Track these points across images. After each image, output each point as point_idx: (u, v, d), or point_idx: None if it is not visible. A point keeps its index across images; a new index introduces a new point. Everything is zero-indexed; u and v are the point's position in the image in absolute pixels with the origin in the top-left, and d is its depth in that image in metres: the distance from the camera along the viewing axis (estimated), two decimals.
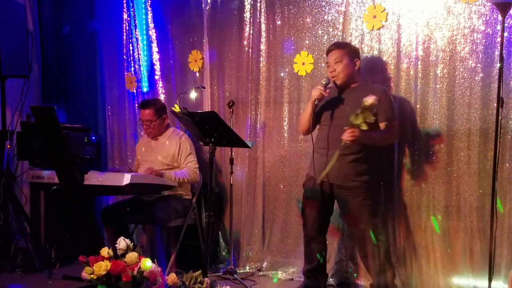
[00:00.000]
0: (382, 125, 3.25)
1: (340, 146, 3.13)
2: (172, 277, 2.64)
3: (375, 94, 3.21)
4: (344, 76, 3.31)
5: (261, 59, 4.10)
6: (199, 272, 2.70)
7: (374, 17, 3.59)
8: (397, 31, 3.54)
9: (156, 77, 4.63)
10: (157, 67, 4.62)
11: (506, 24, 3.09)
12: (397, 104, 3.51)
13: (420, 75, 3.48)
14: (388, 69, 3.59)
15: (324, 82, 3.30)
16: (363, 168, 3.28)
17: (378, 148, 3.34)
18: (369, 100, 3.02)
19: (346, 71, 3.31)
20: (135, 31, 4.68)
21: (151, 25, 4.63)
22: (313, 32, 3.87)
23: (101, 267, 2.48)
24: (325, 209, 3.43)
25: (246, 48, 4.16)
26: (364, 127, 3.05)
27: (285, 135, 4.01)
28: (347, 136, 3.08)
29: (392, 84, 3.57)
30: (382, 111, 3.23)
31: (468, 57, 3.32)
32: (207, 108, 4.33)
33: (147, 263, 2.52)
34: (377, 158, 3.40)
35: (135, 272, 2.50)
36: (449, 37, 3.38)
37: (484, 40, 3.27)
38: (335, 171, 3.27)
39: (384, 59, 3.60)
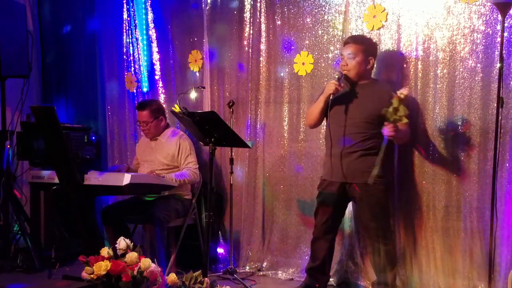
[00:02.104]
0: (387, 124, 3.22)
1: (383, 148, 3.07)
2: (172, 277, 2.64)
3: (384, 96, 3.19)
4: (354, 73, 3.27)
5: (261, 59, 4.10)
6: (199, 272, 2.70)
7: (374, 17, 3.59)
8: (397, 31, 3.54)
9: (156, 77, 4.63)
10: (157, 67, 4.62)
11: (506, 24, 3.09)
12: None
13: (420, 75, 3.48)
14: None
15: (337, 76, 3.25)
16: (373, 162, 3.18)
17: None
18: (404, 91, 2.97)
19: (358, 69, 3.25)
20: (135, 31, 4.68)
21: (151, 25, 4.62)
22: (313, 32, 3.87)
23: (101, 267, 2.47)
24: (338, 212, 3.41)
25: (246, 48, 4.16)
26: (405, 120, 3.00)
27: (285, 135, 4.01)
28: (388, 132, 3.03)
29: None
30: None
31: (468, 57, 3.32)
32: (207, 108, 4.32)
33: (147, 263, 2.52)
34: (386, 152, 3.28)
35: (135, 272, 2.50)
36: (449, 37, 3.38)
37: (484, 40, 3.27)
38: (345, 169, 3.24)
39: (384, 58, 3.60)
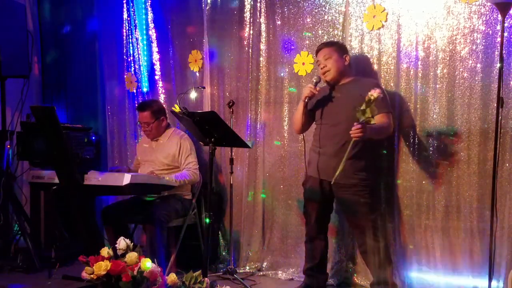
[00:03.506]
0: (377, 118, 3.25)
1: (350, 145, 3.10)
2: (172, 277, 2.64)
3: (367, 88, 3.23)
4: (334, 71, 3.35)
5: (261, 59, 4.10)
6: (199, 272, 2.70)
7: (374, 17, 3.59)
8: (397, 31, 3.54)
9: (156, 77, 4.63)
10: (157, 67, 4.62)
11: (506, 24, 3.09)
12: (397, 103, 3.52)
13: (420, 75, 3.48)
14: (388, 69, 3.59)
15: (314, 81, 3.36)
16: (361, 165, 3.29)
17: (376, 144, 3.35)
18: (375, 93, 2.99)
19: (336, 66, 3.35)
20: (135, 31, 4.68)
21: (151, 25, 4.63)
22: (313, 32, 3.87)
23: (101, 267, 2.48)
24: (325, 208, 3.46)
25: (246, 48, 4.16)
26: (372, 121, 3.04)
27: (285, 135, 4.01)
28: (354, 133, 3.05)
29: (392, 84, 3.57)
30: (377, 104, 3.23)
31: (468, 57, 3.32)
32: (207, 108, 4.33)
33: (147, 263, 2.52)
34: (375, 155, 3.40)
35: (135, 272, 2.50)
36: (449, 37, 3.38)
37: (484, 40, 3.27)
38: (333, 169, 3.27)
39: (384, 59, 3.60)
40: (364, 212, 3.28)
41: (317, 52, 3.45)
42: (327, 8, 3.80)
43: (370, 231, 3.27)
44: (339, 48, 3.42)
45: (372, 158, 3.37)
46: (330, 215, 3.54)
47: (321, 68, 3.40)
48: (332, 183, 3.22)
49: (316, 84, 3.34)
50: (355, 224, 3.39)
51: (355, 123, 3.05)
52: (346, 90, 3.34)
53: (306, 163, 3.49)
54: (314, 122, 3.50)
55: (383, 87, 3.47)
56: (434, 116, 3.43)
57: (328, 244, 3.54)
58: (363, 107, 3.01)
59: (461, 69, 3.35)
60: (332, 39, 3.75)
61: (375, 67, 3.62)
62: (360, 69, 3.62)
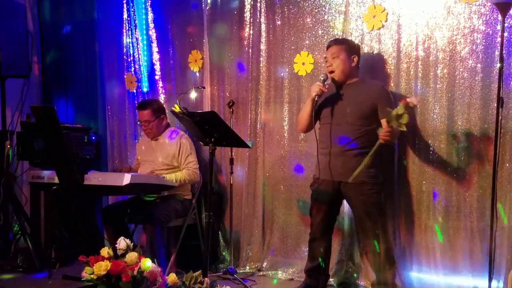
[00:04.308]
0: (384, 122, 3.24)
1: (375, 147, 3.07)
2: (172, 277, 2.65)
3: (374, 91, 3.27)
4: (340, 72, 3.32)
5: (261, 59, 4.10)
6: (199, 272, 2.70)
7: (374, 17, 3.59)
8: (397, 31, 3.54)
9: (156, 77, 4.63)
10: (157, 67, 4.62)
11: (506, 24, 3.09)
12: (397, 104, 3.51)
13: (420, 75, 3.48)
14: (388, 69, 3.59)
15: (322, 78, 3.32)
16: (370, 162, 3.20)
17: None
18: (414, 101, 2.99)
19: (342, 67, 3.31)
20: (135, 31, 4.68)
21: (151, 25, 4.63)
22: (313, 32, 3.87)
23: (101, 267, 2.48)
24: (332, 210, 3.43)
25: (246, 48, 4.16)
26: (404, 129, 3.01)
27: (285, 135, 4.01)
28: (384, 136, 3.04)
29: (392, 84, 3.57)
30: (384, 108, 3.23)
31: (468, 57, 3.32)
32: (207, 108, 4.33)
33: (147, 263, 2.52)
34: (380, 151, 3.37)
35: (135, 272, 2.50)
36: (449, 37, 3.38)
37: (484, 40, 3.27)
38: (340, 168, 3.27)
39: (384, 59, 3.60)
40: (373, 211, 3.26)
41: (327, 48, 3.40)
42: (327, 8, 3.80)
43: (375, 233, 3.25)
44: (349, 47, 3.35)
45: (377, 155, 3.33)
46: (336, 218, 3.52)
47: (327, 67, 3.36)
48: (350, 180, 3.16)
49: (324, 81, 3.29)
50: (362, 225, 3.35)
51: (384, 127, 3.05)
52: (352, 90, 3.31)
53: (318, 164, 3.41)
54: (319, 122, 3.45)
55: (389, 90, 3.46)
56: (434, 116, 3.43)
57: (331, 246, 3.52)
58: (398, 112, 2.95)
59: (461, 69, 3.35)
60: (332, 39, 3.74)
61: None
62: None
